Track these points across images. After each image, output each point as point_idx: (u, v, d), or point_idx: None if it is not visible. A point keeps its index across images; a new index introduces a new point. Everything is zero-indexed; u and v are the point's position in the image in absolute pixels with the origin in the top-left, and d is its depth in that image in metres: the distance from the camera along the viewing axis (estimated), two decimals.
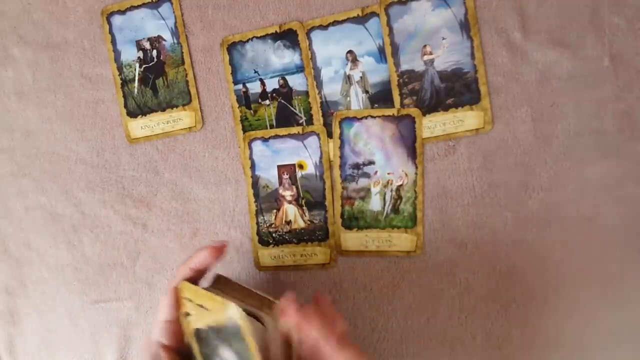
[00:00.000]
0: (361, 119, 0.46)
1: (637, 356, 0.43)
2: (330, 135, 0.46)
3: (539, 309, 0.44)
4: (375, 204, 0.46)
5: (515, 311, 0.44)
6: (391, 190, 0.46)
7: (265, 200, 0.47)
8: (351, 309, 0.46)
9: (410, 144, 0.45)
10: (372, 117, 0.46)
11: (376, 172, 0.46)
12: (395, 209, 0.46)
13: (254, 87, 0.48)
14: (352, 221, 0.46)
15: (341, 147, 0.46)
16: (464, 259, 0.45)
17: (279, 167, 0.47)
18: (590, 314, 0.43)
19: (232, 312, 0.33)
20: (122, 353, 0.49)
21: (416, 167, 0.45)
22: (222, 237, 0.48)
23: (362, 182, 0.46)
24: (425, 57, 0.45)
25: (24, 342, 0.49)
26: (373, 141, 0.46)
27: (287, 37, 0.47)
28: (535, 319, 0.44)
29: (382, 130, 0.46)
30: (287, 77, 0.47)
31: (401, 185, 0.45)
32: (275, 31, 0.47)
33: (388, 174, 0.46)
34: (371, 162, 0.46)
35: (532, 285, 0.44)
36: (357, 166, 0.46)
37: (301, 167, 0.47)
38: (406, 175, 0.45)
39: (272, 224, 0.47)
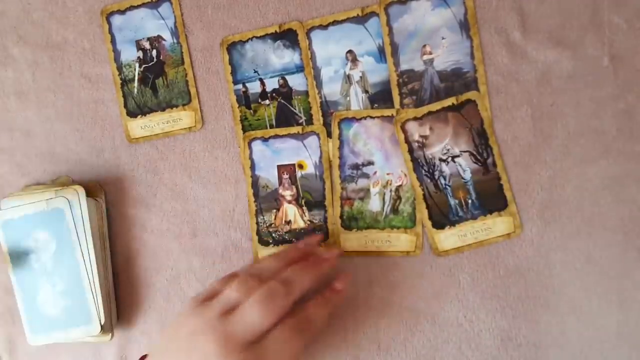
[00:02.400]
0: (360, 119, 0.46)
1: (637, 356, 0.42)
2: (330, 135, 0.46)
3: (539, 309, 0.44)
4: (374, 204, 0.46)
5: (515, 311, 0.44)
6: (390, 191, 0.46)
7: (265, 200, 0.47)
8: (352, 310, 0.46)
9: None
10: (371, 117, 0.46)
11: (375, 173, 0.46)
12: (395, 210, 0.46)
13: (254, 87, 0.48)
14: (352, 222, 0.46)
15: (340, 147, 0.46)
16: (463, 259, 0.45)
17: (279, 167, 0.47)
18: (591, 313, 0.43)
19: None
20: (122, 353, 0.49)
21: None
22: (222, 237, 0.48)
23: (362, 182, 0.46)
24: (425, 57, 0.45)
25: (24, 342, 0.49)
26: (372, 141, 0.46)
27: (287, 37, 0.47)
28: (536, 318, 0.44)
29: (381, 131, 0.46)
30: (287, 77, 0.47)
31: (400, 185, 0.45)
32: (275, 31, 0.47)
33: (387, 174, 0.46)
34: (370, 163, 0.46)
35: (532, 285, 0.44)
36: (356, 166, 0.46)
37: (301, 167, 0.47)
38: (405, 175, 0.45)
39: (272, 224, 0.47)
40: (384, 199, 0.46)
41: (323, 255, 0.41)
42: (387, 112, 0.45)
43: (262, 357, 0.33)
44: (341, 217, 0.46)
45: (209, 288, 0.39)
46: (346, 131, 0.46)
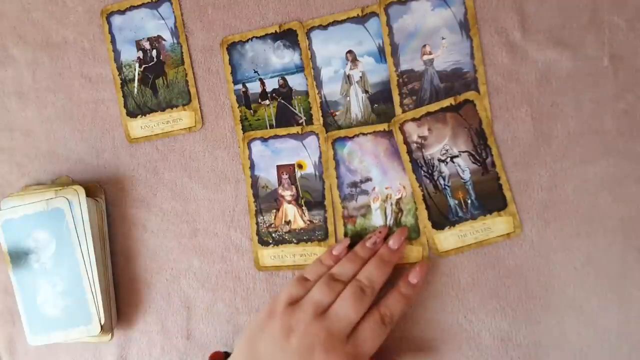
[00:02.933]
0: (353, 137, 0.46)
1: (637, 356, 0.42)
2: None
3: (539, 309, 0.43)
4: (377, 219, 0.46)
5: (515, 311, 0.44)
6: (391, 205, 0.45)
7: (265, 200, 0.47)
8: None
9: None
10: (363, 134, 0.45)
11: (374, 188, 0.46)
12: (398, 222, 0.45)
13: (254, 87, 0.48)
14: (357, 238, 0.45)
15: (337, 167, 0.46)
16: (463, 259, 0.45)
17: (279, 167, 0.47)
18: (591, 313, 0.43)
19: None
20: (122, 353, 0.49)
21: None
22: (222, 237, 0.48)
23: (362, 199, 0.46)
24: (425, 57, 0.45)
25: (23, 342, 0.49)
26: (368, 158, 0.46)
27: (287, 37, 0.47)
28: (536, 318, 0.44)
29: (375, 146, 0.45)
30: (286, 77, 0.47)
31: (400, 198, 0.45)
32: (275, 31, 0.47)
33: (386, 188, 0.45)
34: (368, 179, 0.46)
35: (532, 285, 0.44)
36: (354, 184, 0.46)
37: (300, 167, 0.47)
38: (404, 187, 0.45)
39: (271, 224, 0.47)
40: (385, 213, 0.45)
41: (392, 247, 0.43)
42: (380, 127, 0.45)
43: (358, 348, 0.38)
44: (345, 235, 0.46)
45: (286, 292, 0.41)
46: (340, 150, 0.46)
